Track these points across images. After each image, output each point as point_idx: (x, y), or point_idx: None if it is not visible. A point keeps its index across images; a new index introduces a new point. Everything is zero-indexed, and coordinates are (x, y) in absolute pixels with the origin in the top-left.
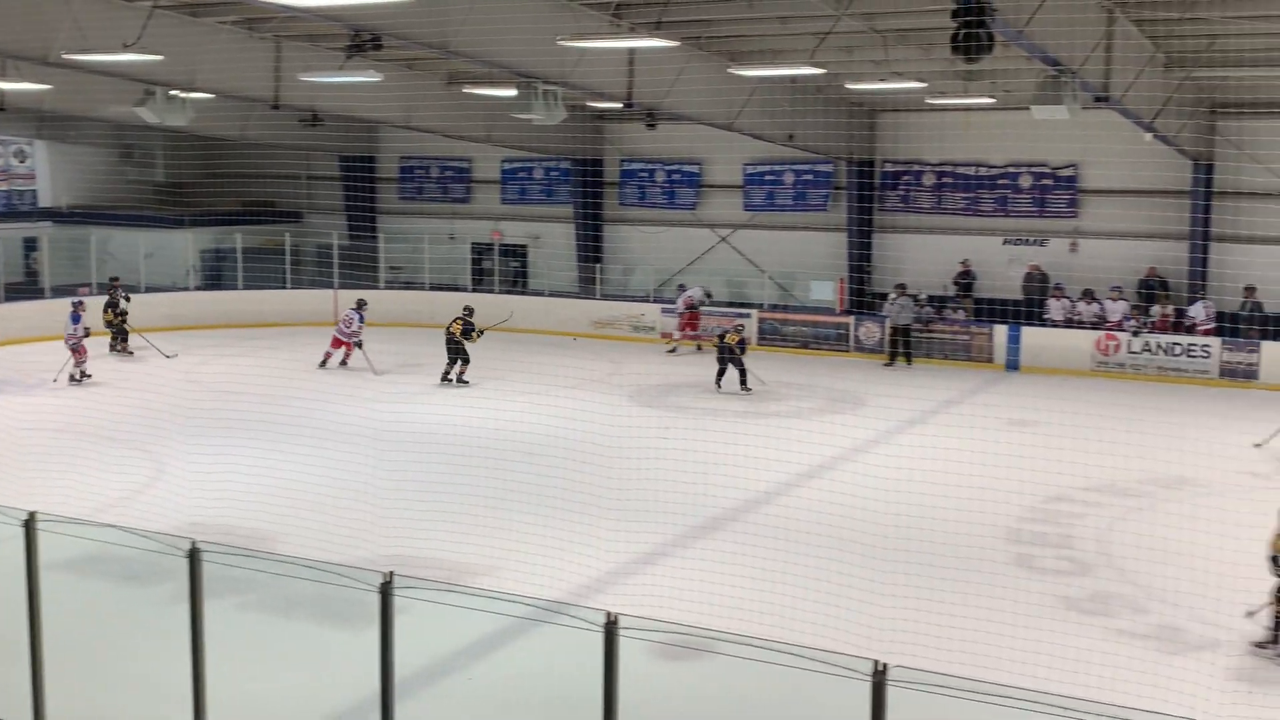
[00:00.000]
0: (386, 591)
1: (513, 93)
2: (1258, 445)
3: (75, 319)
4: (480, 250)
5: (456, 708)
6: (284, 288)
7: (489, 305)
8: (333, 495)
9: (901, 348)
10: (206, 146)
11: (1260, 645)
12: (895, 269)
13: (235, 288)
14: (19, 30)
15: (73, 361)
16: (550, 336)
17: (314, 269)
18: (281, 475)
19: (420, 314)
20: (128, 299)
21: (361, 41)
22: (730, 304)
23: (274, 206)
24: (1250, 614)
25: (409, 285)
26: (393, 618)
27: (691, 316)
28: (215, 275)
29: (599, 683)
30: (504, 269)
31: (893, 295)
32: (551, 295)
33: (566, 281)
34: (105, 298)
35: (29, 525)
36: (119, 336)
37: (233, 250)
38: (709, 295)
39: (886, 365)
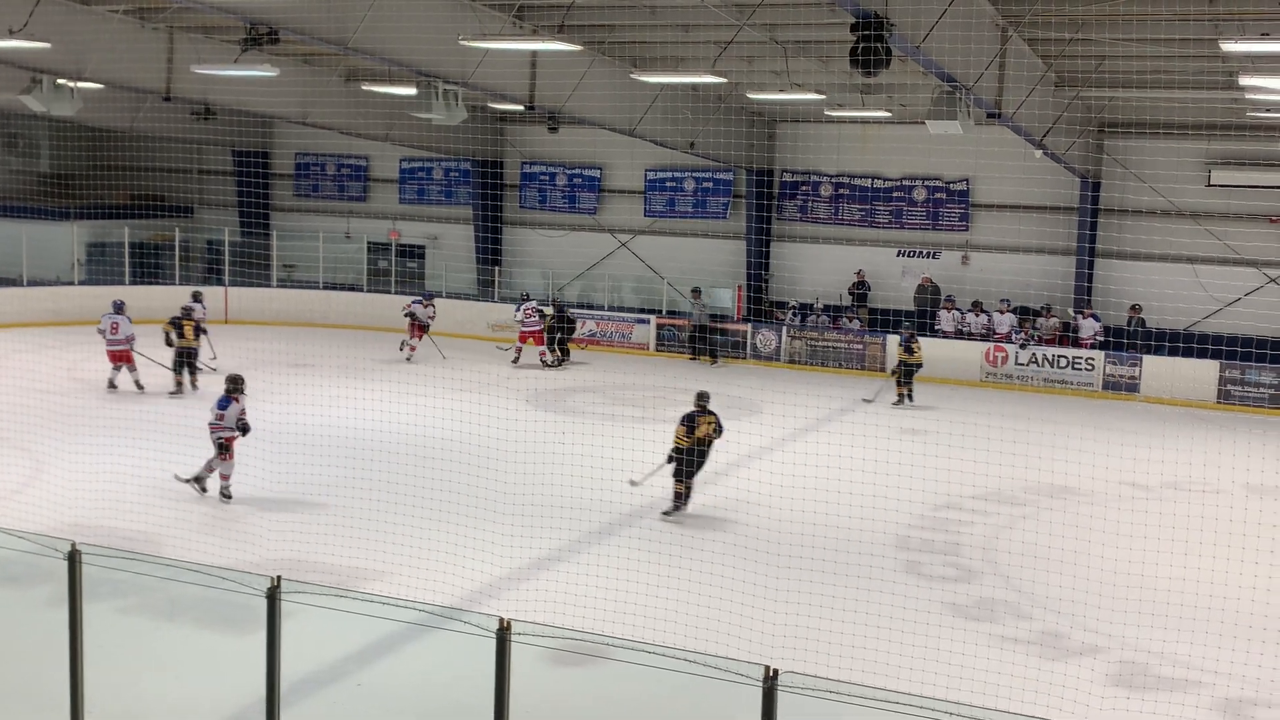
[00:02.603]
0: (273, 596)
1: (412, 91)
2: (867, 400)
3: None
4: (377, 250)
5: (345, 714)
6: (173, 284)
7: (386, 306)
8: (216, 498)
9: (701, 344)
10: (94, 137)
11: (667, 514)
12: (792, 277)
13: (122, 283)
14: None
15: None
16: (446, 339)
17: (205, 265)
18: (167, 476)
19: (314, 313)
20: None
21: (257, 35)
22: (623, 309)
23: (164, 200)
24: (634, 483)
25: (302, 284)
26: (279, 623)
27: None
28: (101, 270)
29: (487, 689)
30: (401, 269)
31: (692, 299)
32: (449, 297)
33: (465, 283)
34: None
35: None
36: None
37: (120, 244)
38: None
39: (692, 360)
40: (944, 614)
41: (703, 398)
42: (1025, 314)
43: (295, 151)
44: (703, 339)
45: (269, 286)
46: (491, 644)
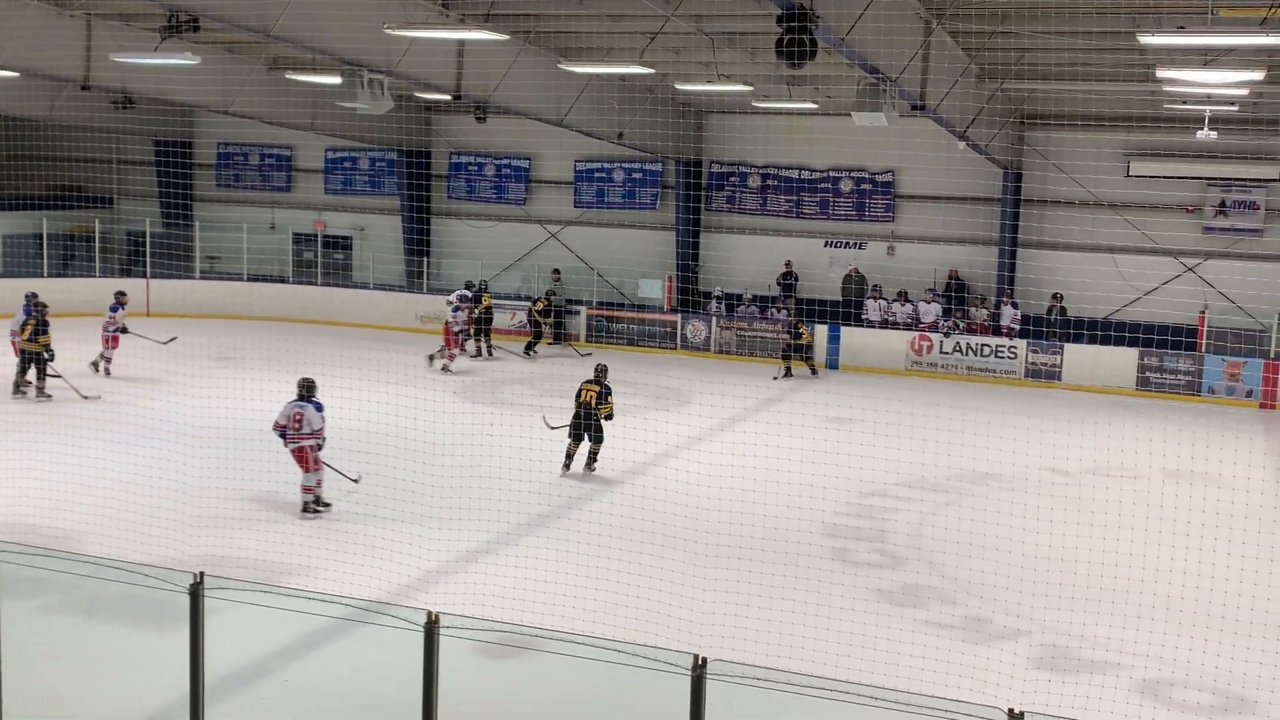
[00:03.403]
0: (196, 593)
1: (337, 81)
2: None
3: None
4: (302, 241)
5: (272, 711)
6: (93, 276)
7: (311, 298)
8: (142, 493)
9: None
10: (10, 127)
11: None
12: (722, 268)
13: (40, 275)
14: None
15: None
16: (375, 331)
17: (125, 256)
18: (87, 473)
19: (238, 306)
20: None
21: (178, 23)
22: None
23: (82, 191)
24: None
25: (226, 276)
26: (203, 619)
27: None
28: (18, 262)
29: (416, 683)
30: (327, 260)
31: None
32: (377, 288)
33: (393, 275)
34: None
35: None
36: None
37: (37, 236)
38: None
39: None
40: (871, 600)
41: (599, 370)
42: (960, 303)
43: (218, 141)
44: (558, 323)
45: (192, 278)
46: (419, 638)
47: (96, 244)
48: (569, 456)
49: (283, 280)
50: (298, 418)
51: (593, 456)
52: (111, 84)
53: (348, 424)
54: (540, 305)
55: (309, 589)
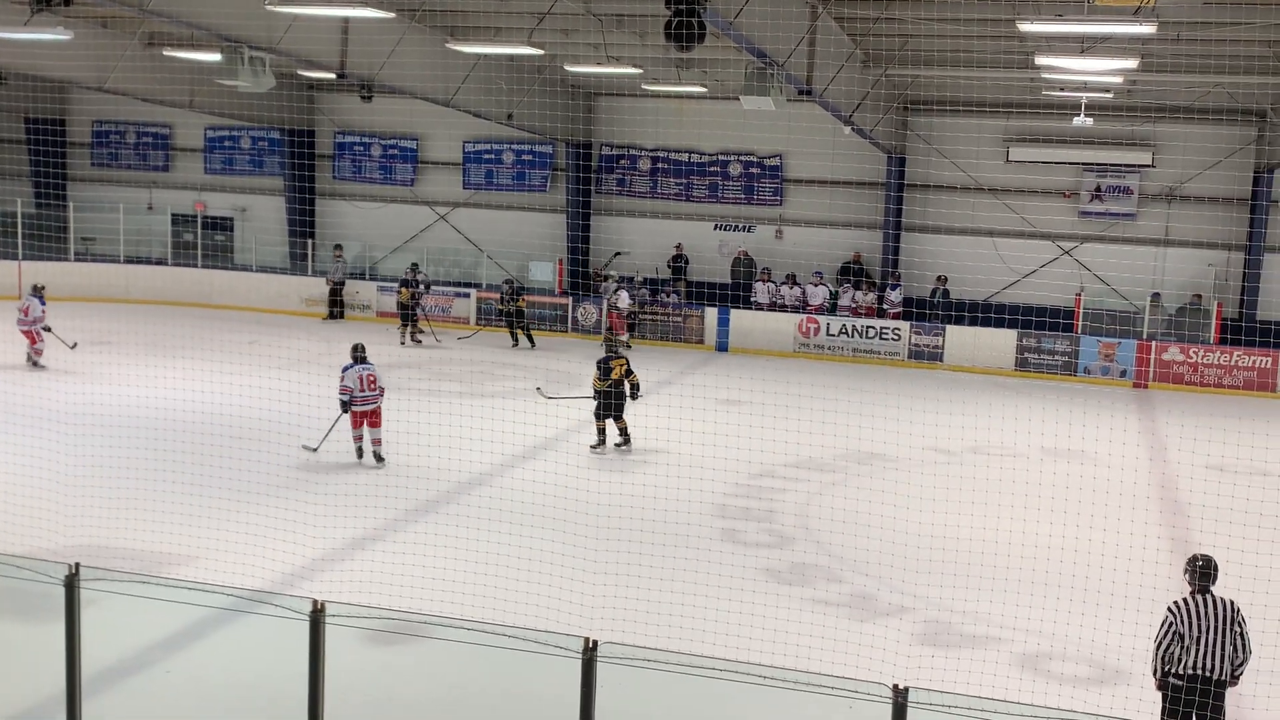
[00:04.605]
0: (71, 584)
1: (217, 57)
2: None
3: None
4: (181, 222)
5: (153, 703)
6: None
7: (192, 281)
8: (14, 483)
9: (336, 305)
10: None
11: (594, 448)
12: (612, 250)
13: None
14: None
15: None
16: (258, 314)
17: None
18: None
19: (114, 289)
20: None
21: None
22: (449, 283)
23: None
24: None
25: (102, 258)
26: (79, 611)
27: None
28: None
29: (302, 673)
30: (208, 242)
31: (334, 255)
32: (260, 270)
33: (277, 257)
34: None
35: None
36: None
37: None
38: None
39: (326, 320)
40: (761, 580)
41: (612, 345)
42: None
43: (93, 119)
44: (336, 299)
45: (66, 260)
46: (305, 627)
47: None
48: (602, 434)
49: (162, 262)
50: (371, 378)
51: (627, 434)
52: None
53: (229, 409)
54: (405, 294)
55: (191, 579)
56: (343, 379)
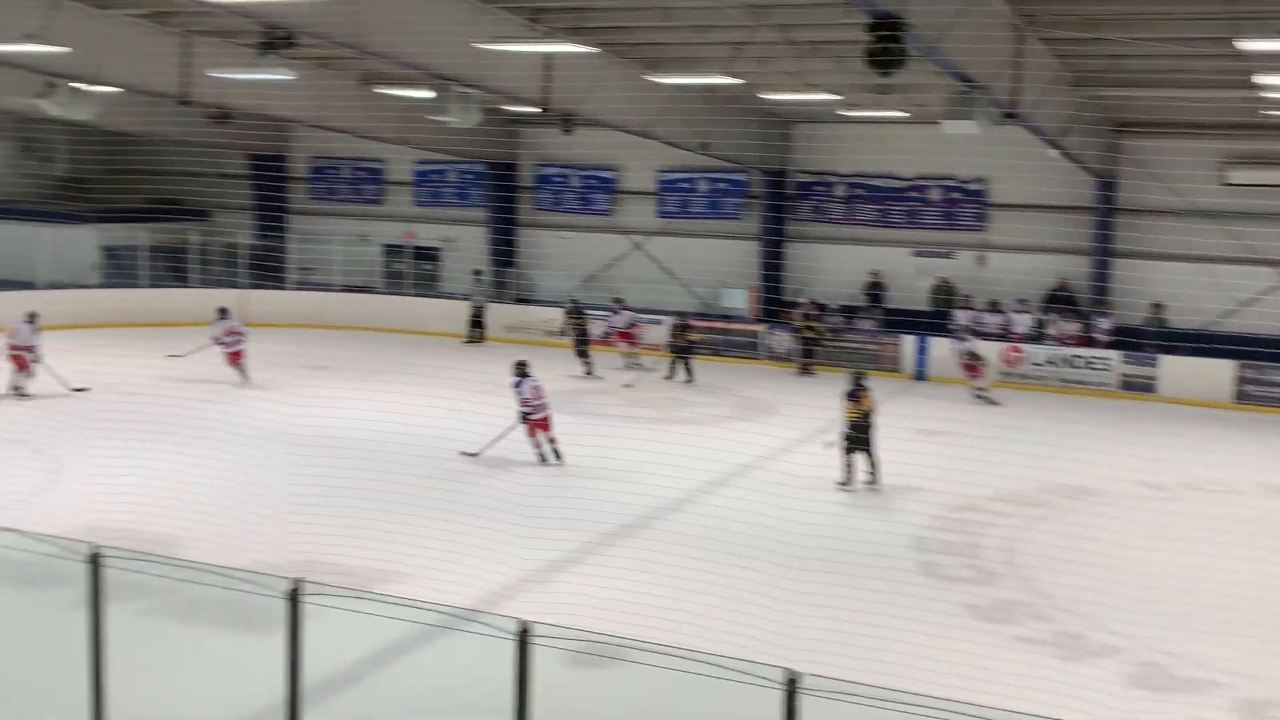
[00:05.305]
0: (295, 598)
1: (428, 94)
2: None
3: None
4: (392, 252)
5: (365, 716)
6: (189, 286)
7: (402, 309)
8: (235, 499)
9: (476, 327)
10: (111, 141)
11: (842, 484)
12: (807, 278)
13: (139, 286)
14: None
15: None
16: (458, 340)
17: (222, 268)
18: (182, 478)
19: (329, 315)
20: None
21: (274, 39)
22: (643, 310)
23: (180, 204)
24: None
25: (318, 286)
26: (302, 625)
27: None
28: (118, 273)
29: (507, 690)
30: (416, 271)
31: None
32: (461, 299)
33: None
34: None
35: None
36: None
37: (137, 247)
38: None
39: (467, 342)
40: (962, 616)
41: (857, 376)
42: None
43: (311, 154)
44: (478, 322)
45: (286, 289)
46: (509, 646)
47: (194, 256)
48: (848, 469)
49: (373, 290)
50: (539, 390)
51: (877, 471)
52: (209, 99)
53: (438, 431)
54: (571, 322)
55: (400, 595)
56: (518, 393)
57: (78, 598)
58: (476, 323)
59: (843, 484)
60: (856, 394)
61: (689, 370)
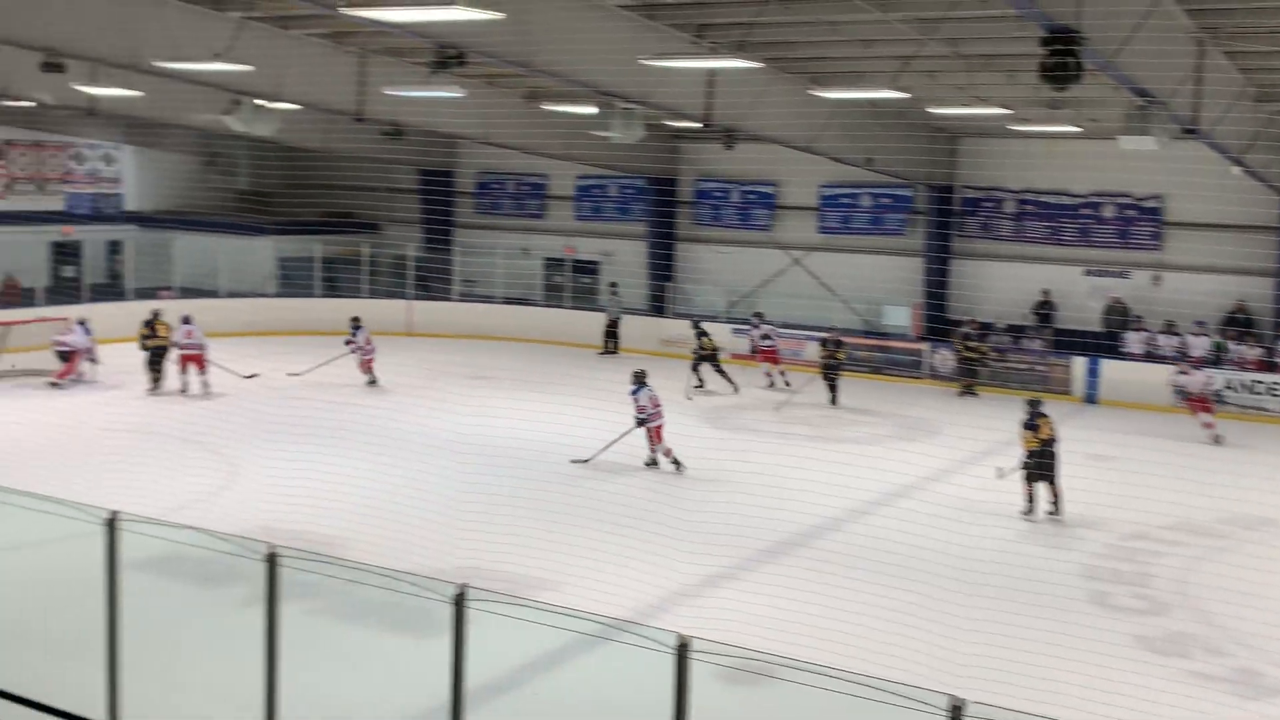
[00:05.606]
0: (460, 603)
1: (592, 110)
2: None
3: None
4: (552, 265)
5: None
6: (360, 297)
7: (562, 320)
8: (399, 504)
9: (610, 338)
10: (289, 156)
11: (1025, 514)
12: (973, 296)
13: (313, 295)
14: (111, 37)
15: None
16: (620, 354)
17: (390, 279)
18: (349, 482)
19: (492, 327)
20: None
21: (446, 58)
22: (799, 326)
23: (353, 217)
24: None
25: (482, 298)
26: (466, 629)
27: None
28: (294, 282)
29: (661, 703)
30: (576, 285)
31: (609, 292)
32: (623, 312)
33: (639, 299)
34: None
35: (111, 525)
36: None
37: (311, 259)
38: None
39: (601, 354)
40: (1132, 647)
41: (1035, 404)
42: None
43: (478, 170)
44: (612, 334)
45: (450, 300)
46: (666, 659)
47: (364, 267)
48: (1030, 499)
49: (534, 303)
50: (655, 399)
51: (1059, 501)
52: (382, 116)
53: (596, 444)
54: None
55: (558, 604)
56: (636, 400)
57: (253, 595)
58: (611, 334)
59: (1025, 514)
60: (1035, 422)
61: (833, 390)
